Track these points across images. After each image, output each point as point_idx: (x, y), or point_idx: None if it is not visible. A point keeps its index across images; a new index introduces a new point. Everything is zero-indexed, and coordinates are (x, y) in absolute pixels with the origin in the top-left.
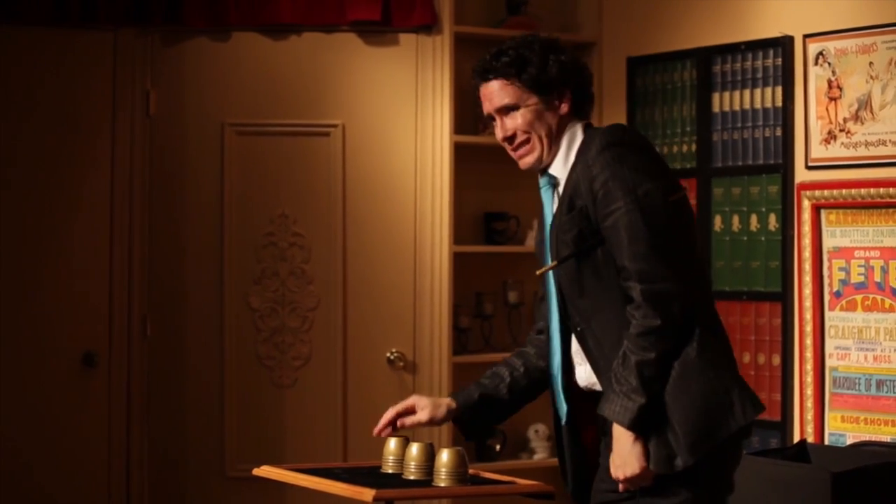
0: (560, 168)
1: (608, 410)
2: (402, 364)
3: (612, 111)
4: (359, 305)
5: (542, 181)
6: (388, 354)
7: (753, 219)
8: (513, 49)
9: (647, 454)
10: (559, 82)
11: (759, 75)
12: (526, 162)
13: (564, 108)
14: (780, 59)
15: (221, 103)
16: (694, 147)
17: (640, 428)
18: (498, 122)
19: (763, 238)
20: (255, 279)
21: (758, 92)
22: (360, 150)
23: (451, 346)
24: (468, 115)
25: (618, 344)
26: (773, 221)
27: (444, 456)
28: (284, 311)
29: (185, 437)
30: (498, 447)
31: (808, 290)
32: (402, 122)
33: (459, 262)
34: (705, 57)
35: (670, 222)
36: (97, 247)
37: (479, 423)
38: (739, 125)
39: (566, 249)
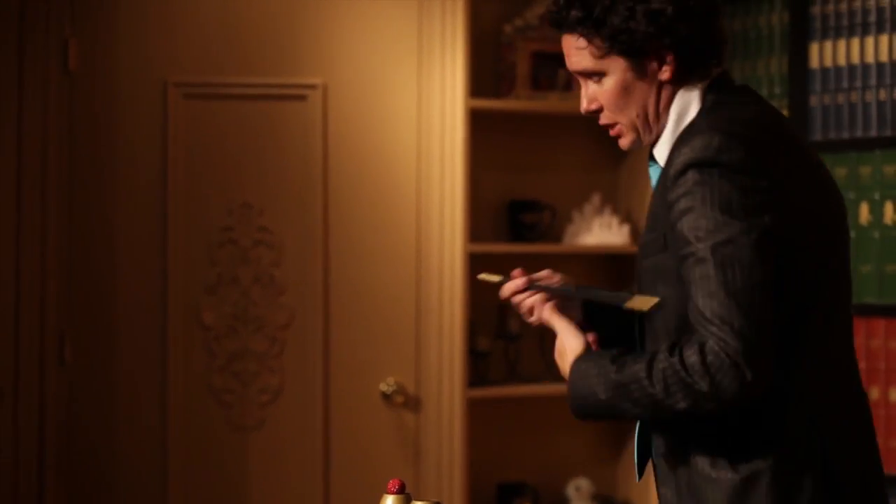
0: (663, 152)
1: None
2: (401, 399)
3: None
4: (345, 323)
5: (650, 156)
6: (384, 387)
7: (864, 208)
8: None
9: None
10: (652, 38)
11: (872, 18)
12: (622, 144)
13: (665, 73)
14: None
15: (164, 57)
16: (785, 114)
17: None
18: (582, 88)
19: (877, 234)
20: (209, 288)
21: (870, 41)
22: (347, 119)
23: (466, 375)
24: (487, 73)
25: (674, 423)
26: (889, 212)
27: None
28: (247, 329)
29: (116, 494)
30: None
31: None
32: (401, 83)
33: (477, 266)
34: None
35: (758, 278)
36: None
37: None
38: (845, 85)
39: (643, 278)
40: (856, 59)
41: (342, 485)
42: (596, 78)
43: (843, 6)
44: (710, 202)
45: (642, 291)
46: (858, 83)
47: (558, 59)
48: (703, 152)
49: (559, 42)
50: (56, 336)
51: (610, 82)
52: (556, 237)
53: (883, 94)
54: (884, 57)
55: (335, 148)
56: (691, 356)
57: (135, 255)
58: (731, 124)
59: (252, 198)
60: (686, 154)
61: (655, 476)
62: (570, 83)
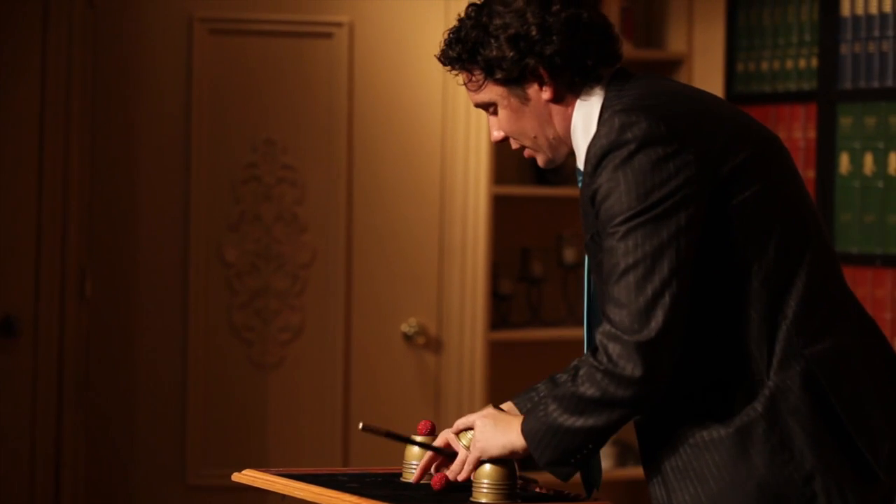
0: (581, 159)
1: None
2: (422, 340)
3: (706, 13)
4: (367, 262)
5: (577, 172)
6: (405, 328)
7: (893, 159)
8: (468, 24)
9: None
10: (520, 63)
11: None
12: (540, 164)
13: (546, 93)
14: None
15: None
16: (814, 62)
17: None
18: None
19: None
20: (231, 225)
21: None
22: (373, 58)
23: (489, 318)
24: None
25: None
26: None
27: (487, 463)
28: (269, 267)
29: (134, 431)
30: None
31: None
32: (428, 21)
33: (501, 208)
34: None
35: (670, 266)
36: (21, 180)
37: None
38: (877, 34)
39: (593, 280)
40: (888, 6)
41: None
42: (491, 109)
43: None
44: (623, 189)
45: (598, 290)
46: (890, 32)
47: None
48: (606, 138)
49: None
50: (77, 271)
51: (501, 112)
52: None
53: None
54: None
55: (360, 87)
56: (591, 357)
57: (157, 191)
58: (624, 103)
59: (276, 135)
60: (595, 146)
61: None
62: None
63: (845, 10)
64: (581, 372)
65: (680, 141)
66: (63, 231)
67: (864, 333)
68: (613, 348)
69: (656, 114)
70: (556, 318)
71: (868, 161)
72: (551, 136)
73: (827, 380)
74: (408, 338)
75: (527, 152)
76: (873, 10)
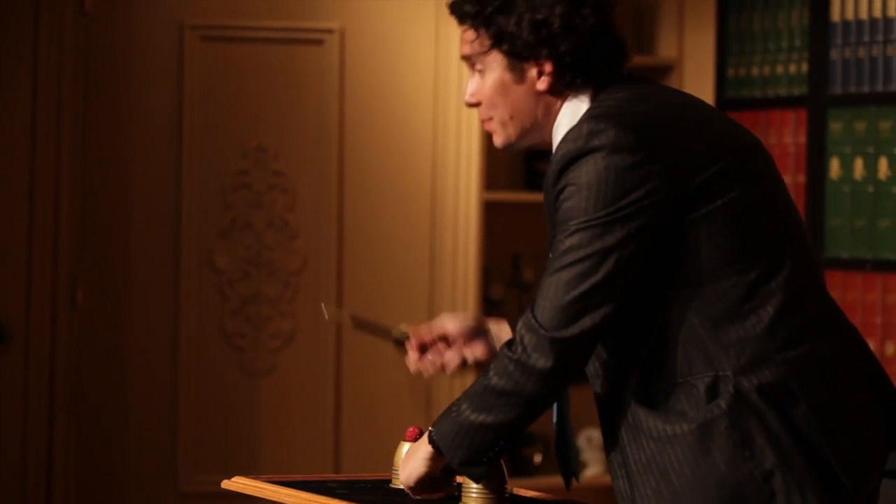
0: None
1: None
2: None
3: (697, 18)
4: (358, 269)
5: None
6: (397, 334)
7: (883, 163)
8: None
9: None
10: (533, 47)
11: None
12: (495, 142)
13: (543, 83)
14: None
15: None
16: (805, 67)
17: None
18: (469, 81)
19: (895, 189)
20: (222, 232)
21: None
22: (364, 64)
23: None
24: None
25: (617, 397)
26: None
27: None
28: (260, 274)
29: (126, 438)
30: (538, 458)
31: None
32: (419, 28)
33: (491, 214)
34: None
35: (603, 274)
36: (12, 186)
37: None
38: (867, 39)
39: None
40: (878, 12)
41: (353, 431)
42: (478, 68)
43: None
44: (584, 195)
45: None
46: (880, 37)
47: None
48: (574, 143)
49: None
50: (68, 279)
51: (490, 78)
52: None
53: None
54: None
55: (351, 93)
56: (506, 348)
57: (149, 198)
58: (600, 109)
59: (267, 142)
60: (560, 151)
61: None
62: None
63: (835, 15)
64: (494, 363)
65: (647, 150)
66: (54, 238)
67: (844, 343)
68: (529, 339)
69: (628, 122)
70: None
71: (858, 166)
72: (527, 123)
73: (800, 385)
74: (399, 344)
75: (489, 125)
76: (863, 15)
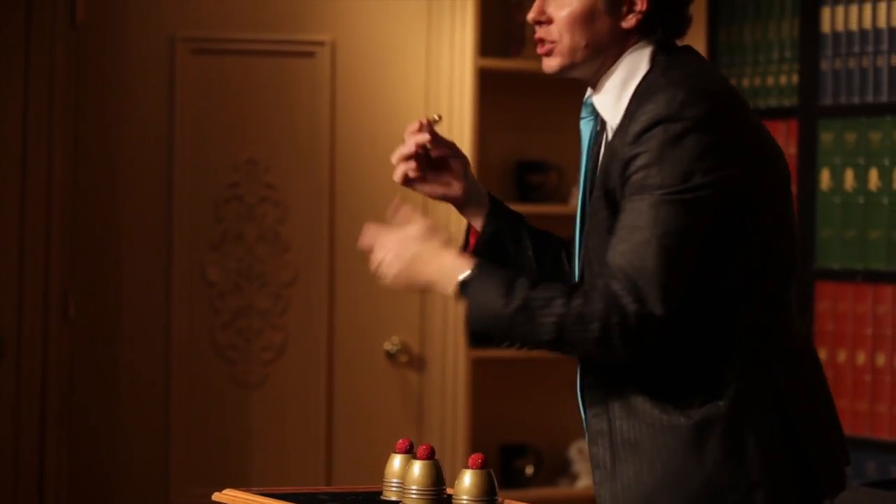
0: (610, 107)
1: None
2: (405, 358)
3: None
4: (350, 281)
5: (584, 110)
6: (388, 346)
7: (874, 174)
8: None
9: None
10: None
11: None
12: (548, 63)
13: (631, 20)
14: None
15: (173, 11)
16: (795, 79)
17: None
18: None
19: (886, 200)
20: (214, 244)
21: (882, 6)
22: (355, 77)
23: None
24: (497, 32)
25: (615, 374)
26: None
27: (467, 480)
28: (252, 286)
29: (118, 451)
30: (530, 470)
31: None
32: (411, 41)
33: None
34: None
35: (685, 245)
36: (3, 199)
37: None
38: (857, 50)
39: (593, 236)
40: (868, 23)
41: (344, 443)
42: None
43: None
44: (668, 159)
45: (584, 255)
46: (870, 48)
47: None
48: (667, 108)
49: None
50: (60, 291)
51: (577, 5)
52: (563, 198)
53: (894, 60)
54: None
55: (343, 105)
56: (591, 303)
57: (140, 211)
58: (691, 80)
59: (259, 155)
60: (651, 111)
61: (587, 436)
62: None
63: (825, 26)
64: (597, 308)
65: (735, 136)
66: (46, 251)
67: (817, 356)
68: (632, 308)
69: (720, 102)
70: None
71: (849, 177)
72: (597, 55)
73: (790, 395)
74: (390, 356)
75: (549, 47)
76: (853, 26)
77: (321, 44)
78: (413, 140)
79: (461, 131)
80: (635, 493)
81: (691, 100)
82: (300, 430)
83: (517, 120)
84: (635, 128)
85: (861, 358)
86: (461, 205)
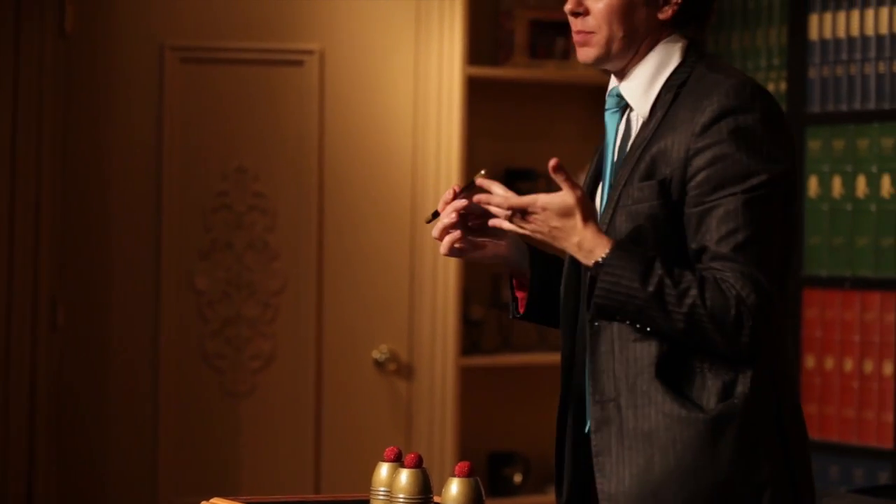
0: (639, 94)
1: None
2: (394, 367)
3: None
4: (338, 289)
5: (610, 101)
6: (377, 354)
7: (861, 181)
8: None
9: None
10: None
11: None
12: (584, 54)
13: (667, 12)
14: None
15: (161, 20)
16: (783, 86)
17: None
18: None
19: (874, 207)
20: (203, 253)
21: (870, 14)
22: (343, 85)
23: (460, 344)
24: (486, 40)
25: (628, 365)
26: (887, 185)
27: (454, 488)
28: (240, 295)
29: (106, 459)
30: (518, 478)
31: None
32: (399, 49)
33: None
34: None
35: (782, 232)
36: None
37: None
38: (844, 57)
39: (628, 224)
40: (855, 31)
41: (333, 452)
42: None
43: None
44: (744, 150)
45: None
46: (858, 55)
47: (557, 27)
48: (736, 99)
49: (558, 10)
50: (48, 300)
51: None
52: None
53: (882, 67)
54: (883, 29)
55: (331, 114)
56: (722, 297)
57: (129, 220)
58: (746, 75)
59: (247, 163)
60: (719, 101)
61: (591, 424)
62: (567, 52)
63: (813, 34)
64: (728, 302)
65: (789, 130)
66: (35, 259)
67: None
68: (758, 302)
69: (772, 97)
70: (527, 344)
71: (836, 184)
72: (632, 47)
73: (790, 397)
74: (379, 364)
75: (586, 37)
76: (841, 34)
77: (310, 52)
78: (451, 208)
79: (449, 139)
80: (643, 481)
81: (757, 92)
82: (288, 439)
83: (506, 128)
84: (705, 119)
85: (849, 365)
86: (510, 261)
